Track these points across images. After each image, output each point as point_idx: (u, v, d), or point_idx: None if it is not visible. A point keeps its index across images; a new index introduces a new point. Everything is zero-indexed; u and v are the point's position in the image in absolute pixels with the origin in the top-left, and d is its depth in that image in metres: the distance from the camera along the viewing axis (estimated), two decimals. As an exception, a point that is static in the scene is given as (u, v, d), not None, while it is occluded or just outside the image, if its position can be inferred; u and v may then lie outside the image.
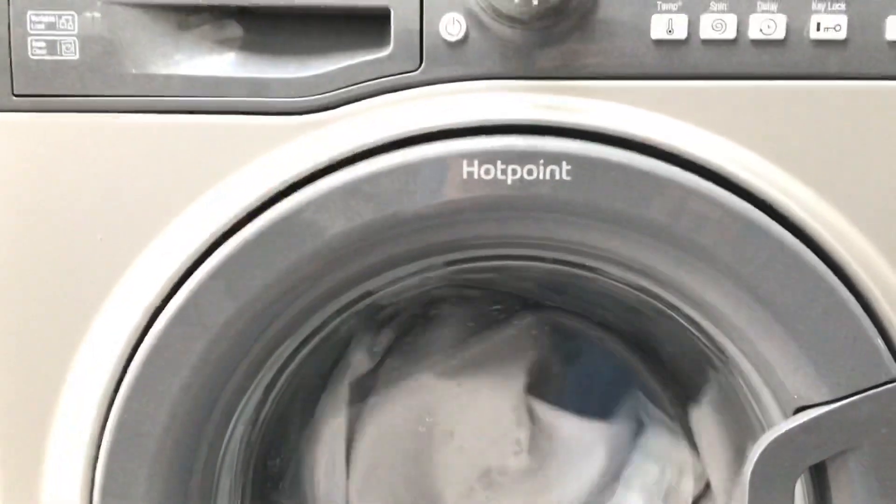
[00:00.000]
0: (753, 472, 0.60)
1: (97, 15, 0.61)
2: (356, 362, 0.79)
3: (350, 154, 0.60)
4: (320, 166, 0.59)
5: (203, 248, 0.60)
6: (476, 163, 0.59)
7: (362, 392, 0.80)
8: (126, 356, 0.61)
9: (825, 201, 0.60)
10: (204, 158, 0.61)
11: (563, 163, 0.59)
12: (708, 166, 0.59)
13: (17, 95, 0.61)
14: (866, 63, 0.60)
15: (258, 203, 0.60)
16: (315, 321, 0.67)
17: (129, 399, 0.61)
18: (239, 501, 0.72)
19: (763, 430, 0.65)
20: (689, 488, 0.77)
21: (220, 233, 0.60)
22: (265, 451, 0.77)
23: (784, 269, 0.59)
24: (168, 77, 0.61)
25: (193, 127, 0.61)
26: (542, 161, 0.59)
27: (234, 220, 0.60)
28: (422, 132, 0.59)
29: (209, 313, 0.60)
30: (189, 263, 0.60)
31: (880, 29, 0.60)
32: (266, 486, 0.79)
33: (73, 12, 0.61)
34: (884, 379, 0.59)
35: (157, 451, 0.61)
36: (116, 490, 0.62)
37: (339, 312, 0.69)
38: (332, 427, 0.78)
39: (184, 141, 0.61)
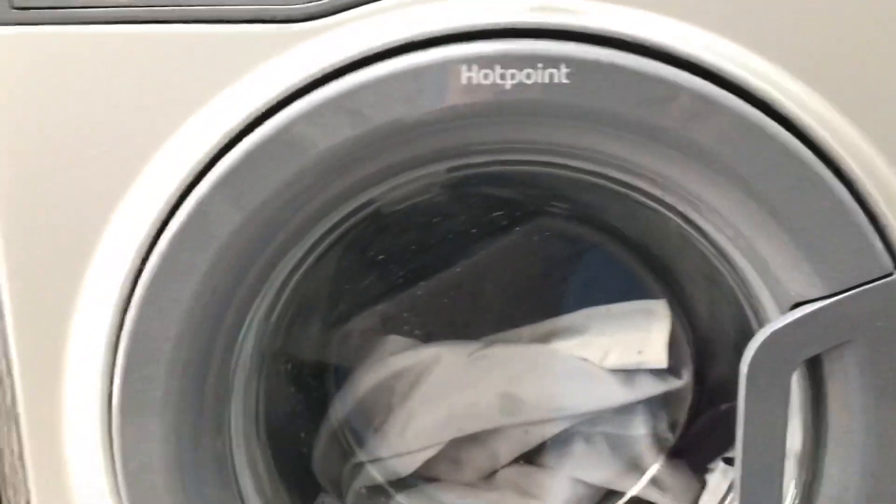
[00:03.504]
0: (750, 367, 0.61)
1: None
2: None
3: (349, 61, 0.60)
4: (321, 74, 0.59)
5: (207, 159, 0.60)
6: (475, 67, 0.59)
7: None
8: (137, 267, 0.63)
9: (821, 97, 0.60)
10: (205, 68, 0.61)
11: (562, 66, 0.59)
12: (707, 66, 0.59)
13: (15, 8, 0.61)
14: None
15: (260, 112, 0.60)
16: (320, 228, 0.68)
17: (142, 307, 0.62)
18: (253, 404, 0.75)
19: (760, 328, 0.67)
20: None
21: (223, 143, 0.60)
22: (278, 355, 0.79)
23: (781, 167, 0.59)
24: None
25: (193, 37, 0.61)
26: (540, 64, 0.59)
27: (238, 130, 0.60)
28: (420, 38, 0.59)
29: (216, 223, 0.61)
30: (194, 174, 0.61)
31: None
32: (280, 389, 0.82)
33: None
34: (878, 274, 0.60)
35: (171, 356, 0.63)
36: (134, 395, 0.63)
37: (343, 220, 0.70)
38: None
39: (185, 51, 0.61)
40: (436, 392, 0.81)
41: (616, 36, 0.59)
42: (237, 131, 0.60)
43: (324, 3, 0.61)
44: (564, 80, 0.59)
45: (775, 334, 0.61)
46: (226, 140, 0.60)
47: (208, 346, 0.64)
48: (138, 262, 0.63)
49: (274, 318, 0.75)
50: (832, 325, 0.61)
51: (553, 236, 0.81)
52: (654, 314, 0.79)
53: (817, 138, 0.60)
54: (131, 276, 0.63)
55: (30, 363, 0.66)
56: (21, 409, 0.67)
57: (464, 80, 0.59)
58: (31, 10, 0.61)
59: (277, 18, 0.61)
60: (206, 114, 0.62)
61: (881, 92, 0.61)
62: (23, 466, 0.72)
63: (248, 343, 0.70)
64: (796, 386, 0.65)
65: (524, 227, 0.81)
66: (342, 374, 0.87)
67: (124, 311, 0.63)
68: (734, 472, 0.64)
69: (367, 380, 0.83)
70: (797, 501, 0.66)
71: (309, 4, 0.61)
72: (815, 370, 0.63)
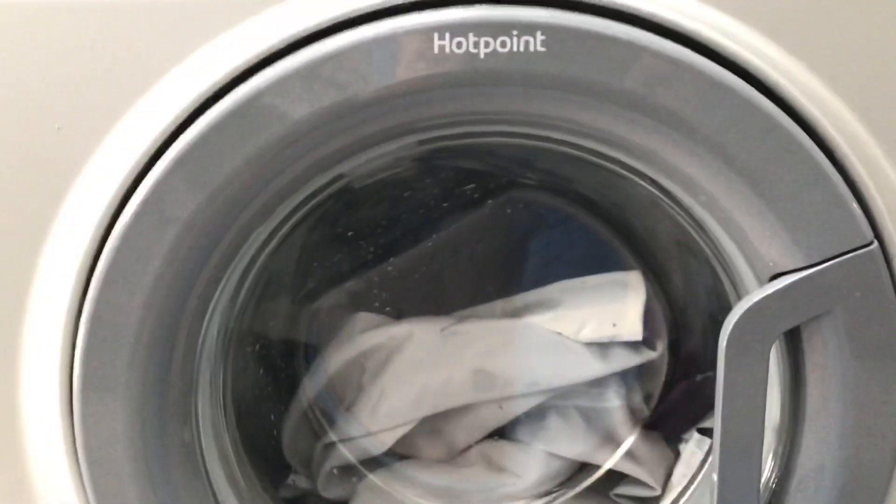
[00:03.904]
0: (729, 339, 0.61)
1: None
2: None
3: (316, 30, 0.57)
4: (284, 44, 0.57)
5: (164, 137, 0.58)
6: (447, 35, 0.57)
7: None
8: (94, 250, 0.60)
9: (799, 63, 0.59)
10: (161, 39, 0.59)
11: (538, 33, 0.57)
12: (684, 32, 0.58)
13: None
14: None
15: (217, 87, 0.58)
16: (288, 205, 0.66)
17: (102, 291, 0.60)
18: (220, 390, 0.73)
19: (738, 300, 0.66)
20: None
21: (179, 120, 0.58)
22: (244, 336, 0.77)
23: (759, 135, 0.58)
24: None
25: (147, 6, 0.58)
26: (515, 32, 0.57)
27: (194, 107, 0.58)
28: (390, 5, 0.57)
29: (174, 205, 0.58)
30: (150, 153, 0.58)
31: None
32: (248, 372, 0.80)
33: None
34: (858, 244, 0.59)
35: (134, 341, 0.60)
36: (96, 381, 0.61)
37: (309, 197, 0.68)
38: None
39: (138, 22, 0.59)
40: (408, 369, 0.79)
41: (592, 2, 0.57)
42: (195, 106, 0.58)
43: (288, -32, 0.58)
44: (540, 48, 0.57)
45: (754, 306, 0.61)
46: (184, 116, 0.58)
47: (172, 328, 0.62)
48: (96, 243, 0.60)
49: (241, 297, 0.74)
50: (811, 296, 0.60)
51: (526, 208, 0.80)
52: (628, 286, 0.78)
53: (797, 106, 0.59)
54: (90, 256, 0.60)
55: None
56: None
57: (436, 49, 0.57)
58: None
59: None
60: (163, 87, 0.59)
61: (862, 59, 0.60)
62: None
63: (213, 325, 0.68)
64: (775, 357, 0.65)
65: (496, 199, 0.79)
66: (311, 354, 0.85)
67: (84, 291, 0.61)
68: (713, 445, 0.64)
69: (336, 358, 0.81)
70: (776, 473, 0.66)
71: (273, -31, 0.58)
72: (793, 341, 0.63)
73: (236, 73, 0.58)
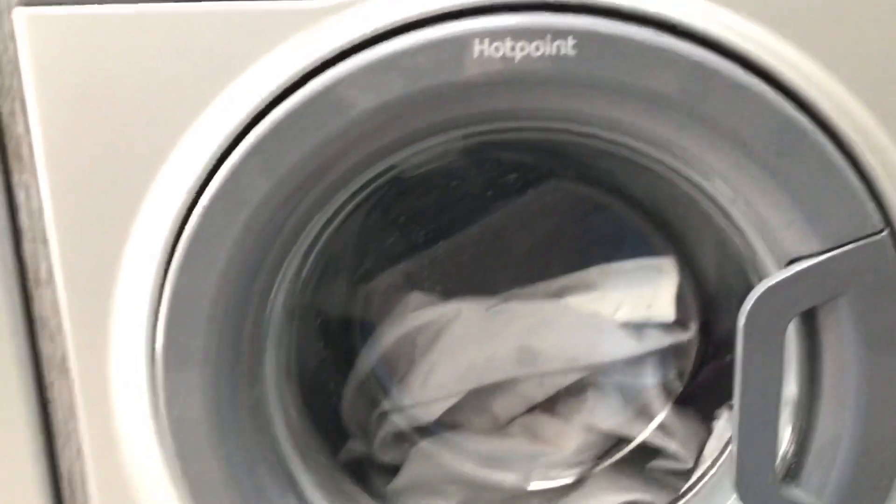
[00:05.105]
0: (747, 320, 0.65)
1: None
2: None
3: (372, 35, 0.63)
4: (344, 47, 0.63)
5: (239, 129, 0.64)
6: (487, 41, 0.62)
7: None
8: (175, 232, 0.67)
9: (816, 62, 0.63)
10: (230, 46, 0.65)
11: (570, 38, 0.62)
12: (706, 35, 0.62)
13: (59, -8, 0.65)
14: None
15: (288, 84, 0.64)
16: (345, 193, 0.72)
17: (181, 270, 0.67)
18: (285, 357, 0.79)
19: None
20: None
21: (254, 113, 0.64)
22: (307, 310, 0.84)
23: (777, 130, 0.62)
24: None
25: (218, 15, 0.64)
26: (549, 37, 0.62)
27: (267, 101, 0.64)
28: (434, 13, 0.63)
29: (247, 189, 0.65)
30: (227, 144, 0.64)
31: None
32: (310, 343, 0.86)
33: None
34: (870, 231, 0.63)
35: (209, 313, 0.67)
36: (175, 350, 0.68)
37: (365, 186, 0.74)
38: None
39: (211, 29, 0.65)
40: (455, 345, 0.85)
41: (621, 8, 0.62)
42: (267, 101, 0.64)
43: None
44: (571, 52, 0.62)
45: (771, 289, 0.65)
46: (256, 111, 0.64)
47: (243, 303, 0.68)
48: (177, 227, 0.67)
49: (303, 276, 0.79)
50: (826, 280, 0.64)
51: (565, 197, 0.84)
52: (662, 271, 0.82)
53: (810, 100, 0.63)
54: (171, 240, 0.67)
55: (79, 321, 0.71)
56: (72, 364, 0.72)
57: (475, 54, 0.62)
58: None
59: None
60: (238, 86, 0.65)
61: (871, 52, 0.63)
62: (73, 417, 0.78)
63: (279, 300, 0.73)
64: (792, 338, 0.69)
65: (537, 188, 0.84)
66: (368, 329, 0.91)
67: (165, 272, 0.68)
68: (732, 419, 0.68)
69: (391, 334, 0.87)
70: (793, 447, 0.70)
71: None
72: (810, 323, 0.67)
73: (300, 75, 0.64)
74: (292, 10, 0.65)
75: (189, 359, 0.68)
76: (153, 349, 0.69)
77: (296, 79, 0.64)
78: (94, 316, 0.71)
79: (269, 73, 0.64)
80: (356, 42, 0.64)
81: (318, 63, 0.64)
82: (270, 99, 0.64)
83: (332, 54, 0.64)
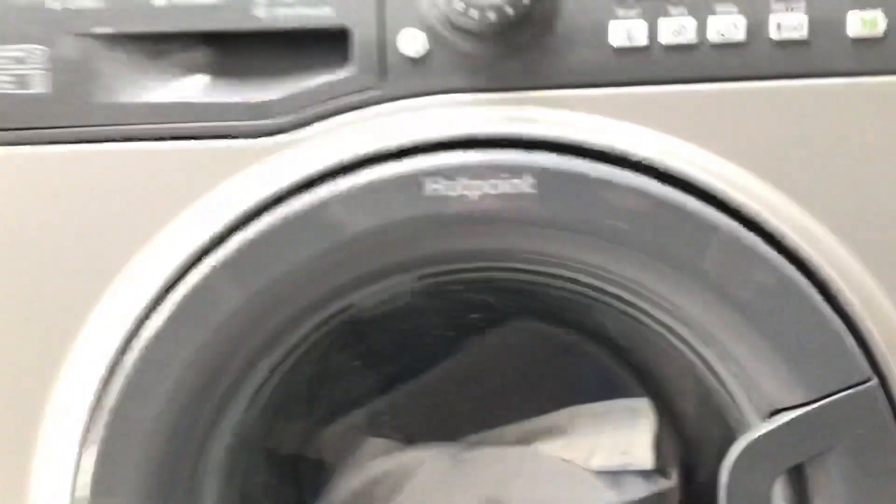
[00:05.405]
0: (730, 477, 0.60)
1: (67, 48, 0.61)
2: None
3: (317, 175, 0.60)
4: (284, 191, 0.60)
5: (175, 276, 0.61)
6: (440, 179, 0.59)
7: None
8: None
9: (792, 201, 0.60)
10: (174, 184, 0.62)
11: (527, 175, 0.59)
12: (673, 173, 0.59)
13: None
14: (829, 60, 0.60)
15: (229, 226, 0.61)
16: (294, 337, 0.68)
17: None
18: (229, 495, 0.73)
19: (741, 433, 0.65)
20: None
21: (190, 261, 0.60)
22: (255, 451, 0.78)
23: (754, 272, 0.59)
24: (137, 105, 0.62)
25: (163, 153, 0.62)
26: (504, 175, 0.59)
27: (204, 246, 0.60)
28: (385, 151, 0.60)
29: (180, 343, 0.61)
30: (160, 292, 0.61)
31: (841, 25, 0.59)
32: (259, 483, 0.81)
33: (42, 46, 0.62)
34: (857, 380, 0.59)
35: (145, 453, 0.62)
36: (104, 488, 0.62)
37: (318, 327, 0.70)
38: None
39: (155, 167, 0.62)
40: (418, 498, 0.79)
41: (580, 144, 0.60)
42: (203, 247, 0.61)
43: (290, 118, 0.62)
44: (530, 190, 0.59)
45: (755, 443, 0.60)
46: (191, 260, 0.60)
47: (183, 441, 0.63)
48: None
49: (252, 413, 0.74)
50: (813, 433, 0.60)
51: (532, 337, 0.80)
52: (638, 413, 0.77)
53: (789, 242, 0.59)
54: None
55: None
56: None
57: (428, 192, 0.59)
58: (2, 132, 0.62)
59: (246, 134, 0.62)
60: (174, 229, 0.62)
61: (853, 195, 0.60)
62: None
63: (224, 438, 0.69)
64: (780, 493, 0.63)
65: (502, 328, 0.80)
66: (323, 467, 0.85)
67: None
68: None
69: (346, 487, 0.81)
70: None
71: (276, 120, 0.61)
72: (798, 478, 0.62)
73: (245, 215, 0.61)
74: (236, 148, 0.62)
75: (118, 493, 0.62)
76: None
77: (237, 221, 0.60)
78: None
79: (203, 217, 0.61)
80: (304, 181, 0.60)
81: (263, 203, 0.61)
82: (209, 243, 0.61)
83: (272, 199, 0.60)
